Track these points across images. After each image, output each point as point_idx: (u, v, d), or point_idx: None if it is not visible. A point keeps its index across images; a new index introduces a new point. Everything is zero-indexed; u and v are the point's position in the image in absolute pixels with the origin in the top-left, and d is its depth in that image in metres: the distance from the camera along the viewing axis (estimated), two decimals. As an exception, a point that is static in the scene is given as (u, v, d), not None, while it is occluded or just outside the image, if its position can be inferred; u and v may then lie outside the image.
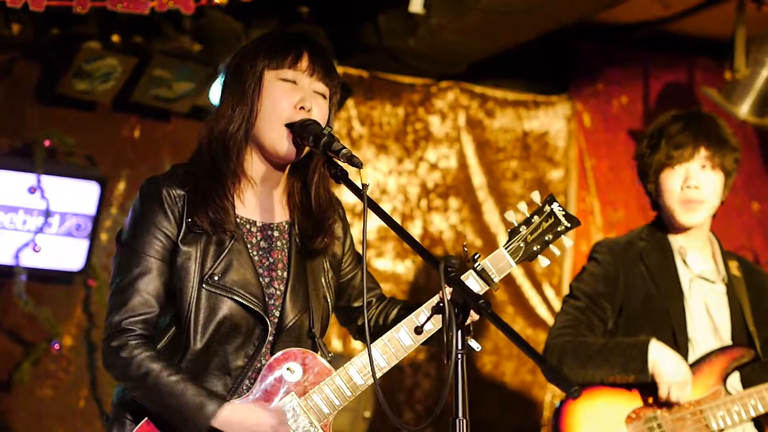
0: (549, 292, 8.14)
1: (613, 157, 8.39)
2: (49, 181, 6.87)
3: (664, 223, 5.39)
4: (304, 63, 3.84)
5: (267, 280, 3.85)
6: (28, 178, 6.84)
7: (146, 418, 3.74)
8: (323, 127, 3.74)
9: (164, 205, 3.76)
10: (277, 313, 3.84)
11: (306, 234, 3.95)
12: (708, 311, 5.29)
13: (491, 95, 8.23)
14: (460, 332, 3.21)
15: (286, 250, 3.92)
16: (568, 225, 4.00)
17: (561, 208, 4.02)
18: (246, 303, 3.76)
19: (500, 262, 3.93)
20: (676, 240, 5.34)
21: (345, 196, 7.69)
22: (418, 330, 3.85)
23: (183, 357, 3.74)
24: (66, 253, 6.91)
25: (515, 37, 7.29)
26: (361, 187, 3.48)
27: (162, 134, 7.22)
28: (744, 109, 7.50)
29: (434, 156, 8.05)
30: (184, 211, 3.76)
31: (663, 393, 5.04)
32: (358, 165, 3.51)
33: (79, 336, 7.11)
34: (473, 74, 8.01)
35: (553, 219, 3.99)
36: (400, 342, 3.85)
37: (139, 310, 3.72)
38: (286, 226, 3.95)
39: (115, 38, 6.86)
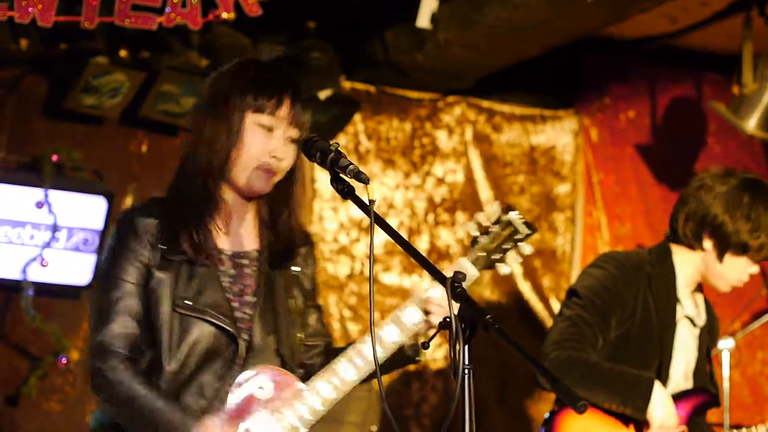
0: (556, 306, 8.12)
1: (620, 171, 8.39)
2: (57, 196, 6.87)
3: (671, 252, 5.38)
4: (284, 110, 3.92)
5: (236, 304, 3.94)
6: (36, 193, 6.85)
7: None
8: (330, 142, 3.76)
9: (138, 235, 3.89)
10: (246, 336, 3.92)
11: (275, 262, 4.05)
12: (685, 352, 5.37)
13: (498, 110, 8.24)
14: (467, 347, 3.21)
15: (254, 277, 4.01)
16: (528, 232, 4.08)
17: (520, 217, 4.11)
18: (217, 323, 3.86)
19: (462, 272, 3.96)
20: (680, 273, 5.35)
21: (352, 211, 7.71)
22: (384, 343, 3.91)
23: (159, 379, 3.84)
24: (73, 268, 6.91)
25: (522, 52, 7.29)
26: (367, 203, 3.48)
27: (169, 149, 7.24)
28: (751, 124, 7.50)
29: (441, 170, 8.05)
30: (158, 239, 3.88)
31: None
32: (364, 181, 3.52)
33: (87, 350, 7.11)
34: (480, 89, 8.01)
35: (512, 228, 4.08)
36: (367, 356, 3.88)
37: (120, 331, 3.84)
38: (256, 254, 4.04)
39: (123, 53, 6.87)
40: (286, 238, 4.05)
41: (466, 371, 3.18)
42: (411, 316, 3.94)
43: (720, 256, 5.25)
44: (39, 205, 6.83)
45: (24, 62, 6.95)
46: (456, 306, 3.29)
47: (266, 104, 3.90)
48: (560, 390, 3.11)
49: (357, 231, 7.81)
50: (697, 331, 5.42)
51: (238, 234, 4.02)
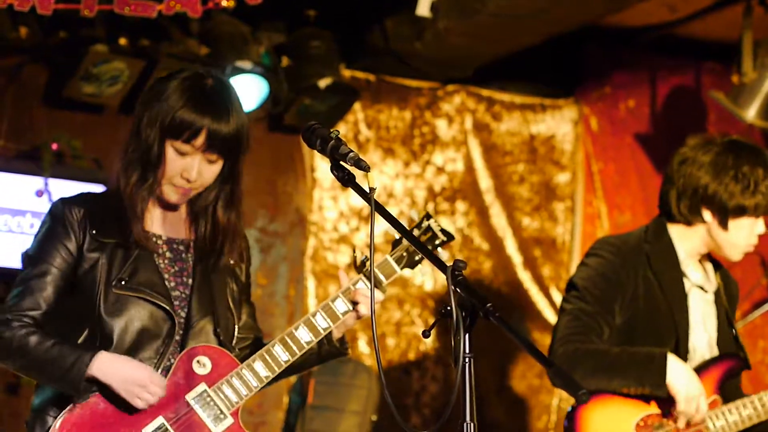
0: (556, 295, 8.13)
1: (620, 160, 8.39)
2: (57, 185, 6.87)
3: (666, 227, 5.34)
4: (200, 140, 4.01)
5: (173, 284, 4.09)
6: (36, 182, 6.85)
7: (71, 405, 3.94)
8: (330, 130, 3.76)
9: (66, 223, 4.03)
10: (183, 314, 4.08)
11: (206, 253, 4.18)
12: (704, 321, 5.31)
13: (498, 99, 8.24)
14: (467, 336, 3.21)
15: (190, 262, 4.16)
16: (444, 239, 4.42)
17: (437, 224, 4.44)
18: (153, 300, 4.01)
19: (386, 269, 4.32)
20: (680, 247, 5.32)
21: (351, 199, 7.71)
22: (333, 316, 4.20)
23: None
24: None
25: (522, 41, 7.29)
26: (368, 191, 3.49)
27: (169, 138, 7.23)
28: (751, 113, 7.49)
29: (441, 159, 8.05)
30: (87, 225, 4.02)
31: (681, 407, 5.04)
32: (365, 168, 3.53)
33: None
34: (480, 78, 8.01)
35: (430, 233, 4.42)
36: (300, 339, 4.16)
37: (26, 306, 3.98)
38: (191, 243, 4.19)
39: (123, 41, 6.86)
40: (216, 232, 4.16)
41: (467, 360, 3.18)
42: (339, 305, 4.21)
43: (723, 224, 5.21)
44: (39, 193, 6.83)
45: (23, 50, 6.94)
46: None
47: (181, 135, 4.01)
48: (560, 380, 3.10)
49: (357, 220, 7.81)
50: (710, 297, 5.35)
51: (172, 223, 4.18)
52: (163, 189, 4.07)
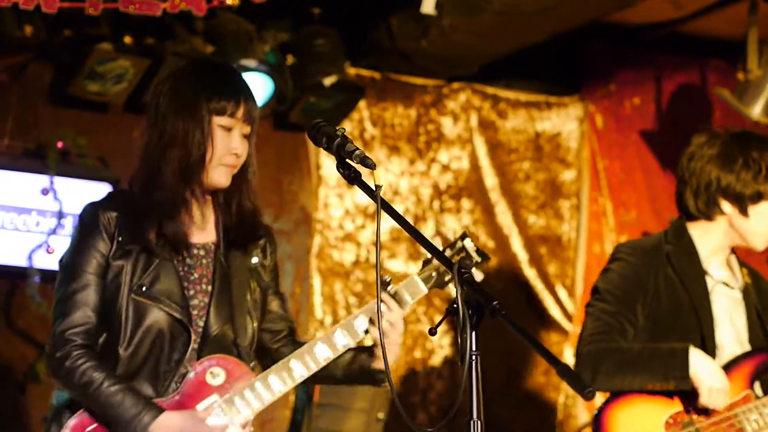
0: (562, 293, 8.13)
1: (626, 158, 8.39)
2: (62, 183, 6.88)
3: (686, 228, 5.33)
4: (240, 112, 4.08)
5: (191, 292, 4.09)
6: (41, 180, 6.86)
7: (81, 410, 3.99)
8: (336, 128, 3.76)
9: (99, 227, 4.03)
10: (201, 323, 4.08)
11: (233, 253, 4.18)
12: (730, 317, 5.29)
13: (503, 96, 8.23)
14: (473, 334, 3.21)
15: (211, 267, 4.15)
16: (479, 260, 4.31)
17: (472, 244, 4.30)
18: (169, 311, 4.00)
19: (413, 288, 4.22)
20: (702, 245, 5.31)
21: (357, 197, 7.71)
22: (353, 332, 4.16)
23: (116, 363, 3.99)
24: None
25: (527, 39, 7.28)
26: (374, 189, 3.49)
27: (174, 136, 7.23)
28: (756, 110, 7.49)
29: (446, 157, 8.04)
30: (116, 231, 4.03)
31: (704, 399, 5.03)
32: (371, 166, 3.53)
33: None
34: (485, 75, 8.01)
35: (464, 253, 4.28)
36: (318, 356, 4.12)
37: (79, 321, 4.00)
38: (212, 246, 4.17)
39: (128, 40, 6.87)
40: (243, 226, 4.18)
41: (473, 358, 3.18)
42: (360, 323, 4.17)
43: (743, 212, 5.19)
44: (44, 191, 6.84)
45: (28, 49, 6.94)
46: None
47: (226, 108, 4.06)
48: (567, 377, 3.09)
49: (362, 218, 7.80)
50: (737, 294, 5.33)
51: (198, 226, 4.15)
52: (212, 173, 4.07)
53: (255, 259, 4.23)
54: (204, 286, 4.11)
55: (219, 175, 4.07)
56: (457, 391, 3.17)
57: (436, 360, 7.88)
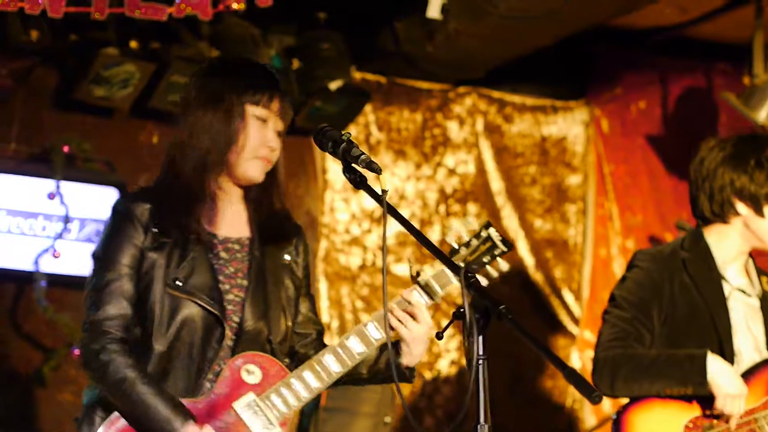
0: (568, 297, 8.13)
1: (632, 162, 8.38)
2: (68, 187, 6.88)
3: (703, 234, 5.32)
4: (276, 104, 4.06)
5: (227, 287, 4.02)
6: (47, 184, 6.86)
7: (116, 412, 3.90)
8: (342, 132, 3.77)
9: (133, 219, 3.98)
10: (237, 319, 4.00)
11: (266, 249, 4.13)
12: (747, 325, 5.29)
13: (509, 100, 8.23)
14: (480, 338, 3.21)
15: (246, 262, 4.09)
16: (504, 249, 4.25)
17: (497, 233, 4.24)
18: (205, 305, 3.93)
19: (442, 279, 4.16)
20: (718, 251, 5.30)
21: (363, 202, 7.71)
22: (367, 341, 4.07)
23: (148, 358, 3.93)
24: (86, 259, 6.90)
25: (533, 43, 7.28)
26: (380, 193, 3.49)
27: (180, 140, 7.24)
28: (762, 115, 7.48)
29: (452, 161, 8.04)
30: (150, 222, 3.97)
31: (720, 405, 5.02)
32: (377, 171, 3.55)
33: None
34: (491, 79, 8.00)
35: (490, 243, 4.22)
36: (352, 350, 4.05)
37: (115, 312, 3.93)
38: (247, 241, 4.13)
39: (133, 44, 6.87)
40: (276, 222, 4.15)
41: (480, 362, 3.18)
42: (372, 330, 4.08)
43: (759, 212, 5.18)
44: (51, 196, 6.84)
45: (34, 53, 6.94)
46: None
47: (262, 98, 4.03)
48: (574, 381, 3.10)
49: (369, 222, 7.80)
50: (755, 302, 5.32)
51: (230, 221, 4.11)
52: (246, 165, 4.03)
53: (288, 257, 4.18)
54: (239, 281, 4.04)
55: (253, 168, 4.04)
56: (464, 395, 3.18)
57: (443, 364, 7.88)
